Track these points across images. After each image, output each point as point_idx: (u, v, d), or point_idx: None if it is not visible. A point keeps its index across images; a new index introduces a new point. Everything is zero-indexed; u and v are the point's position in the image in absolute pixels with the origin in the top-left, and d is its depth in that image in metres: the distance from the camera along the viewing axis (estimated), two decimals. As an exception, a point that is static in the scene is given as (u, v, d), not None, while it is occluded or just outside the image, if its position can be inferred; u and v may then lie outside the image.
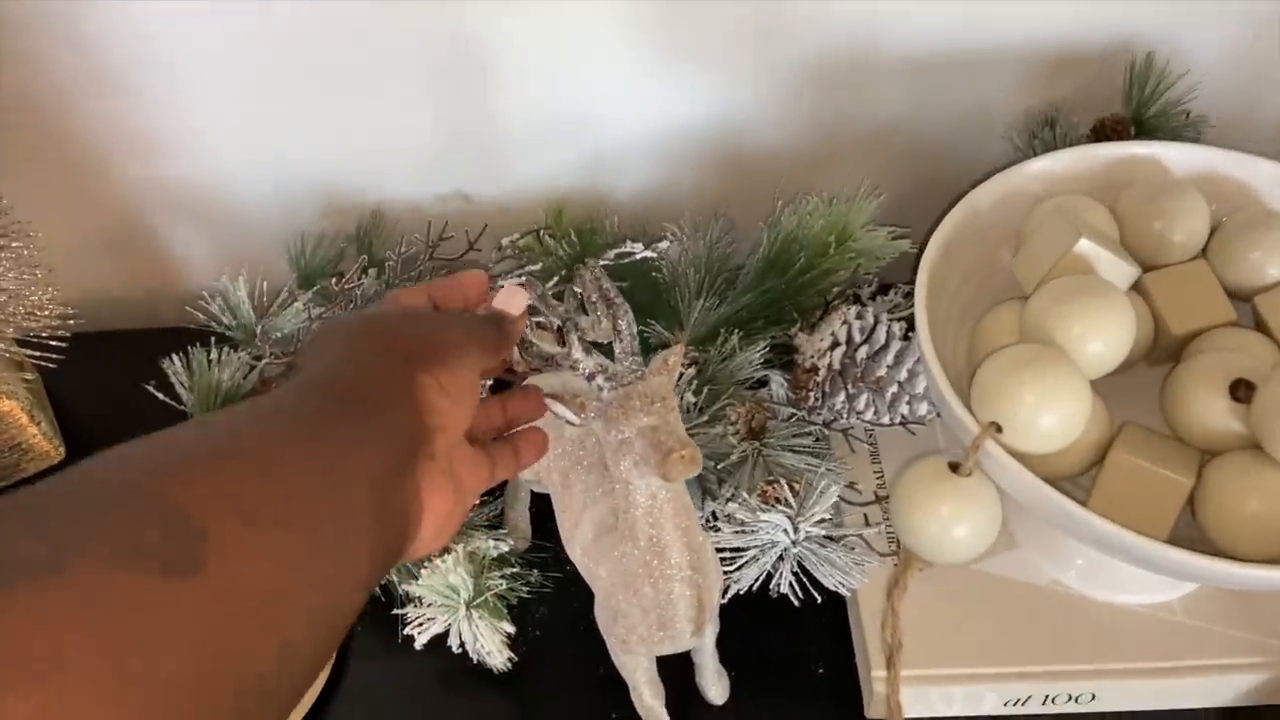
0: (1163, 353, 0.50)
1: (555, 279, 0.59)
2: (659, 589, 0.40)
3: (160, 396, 0.62)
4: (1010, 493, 0.44)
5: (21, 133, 0.66)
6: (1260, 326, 0.49)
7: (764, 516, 0.45)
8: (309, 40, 0.63)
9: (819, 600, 0.50)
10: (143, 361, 0.63)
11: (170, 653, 0.21)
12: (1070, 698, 0.52)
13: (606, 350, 0.40)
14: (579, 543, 0.45)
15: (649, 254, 0.58)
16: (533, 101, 0.66)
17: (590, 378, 0.38)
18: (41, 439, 0.64)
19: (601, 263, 0.58)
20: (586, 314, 0.44)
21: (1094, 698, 0.52)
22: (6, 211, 0.58)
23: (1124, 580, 0.53)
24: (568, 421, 0.38)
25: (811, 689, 0.56)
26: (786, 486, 0.46)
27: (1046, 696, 0.52)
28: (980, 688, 0.52)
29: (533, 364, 0.40)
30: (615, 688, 0.53)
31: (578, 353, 0.38)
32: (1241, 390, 0.43)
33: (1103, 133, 0.62)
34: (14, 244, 0.58)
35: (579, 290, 0.46)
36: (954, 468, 0.44)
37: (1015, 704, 0.53)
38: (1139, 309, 0.48)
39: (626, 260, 0.59)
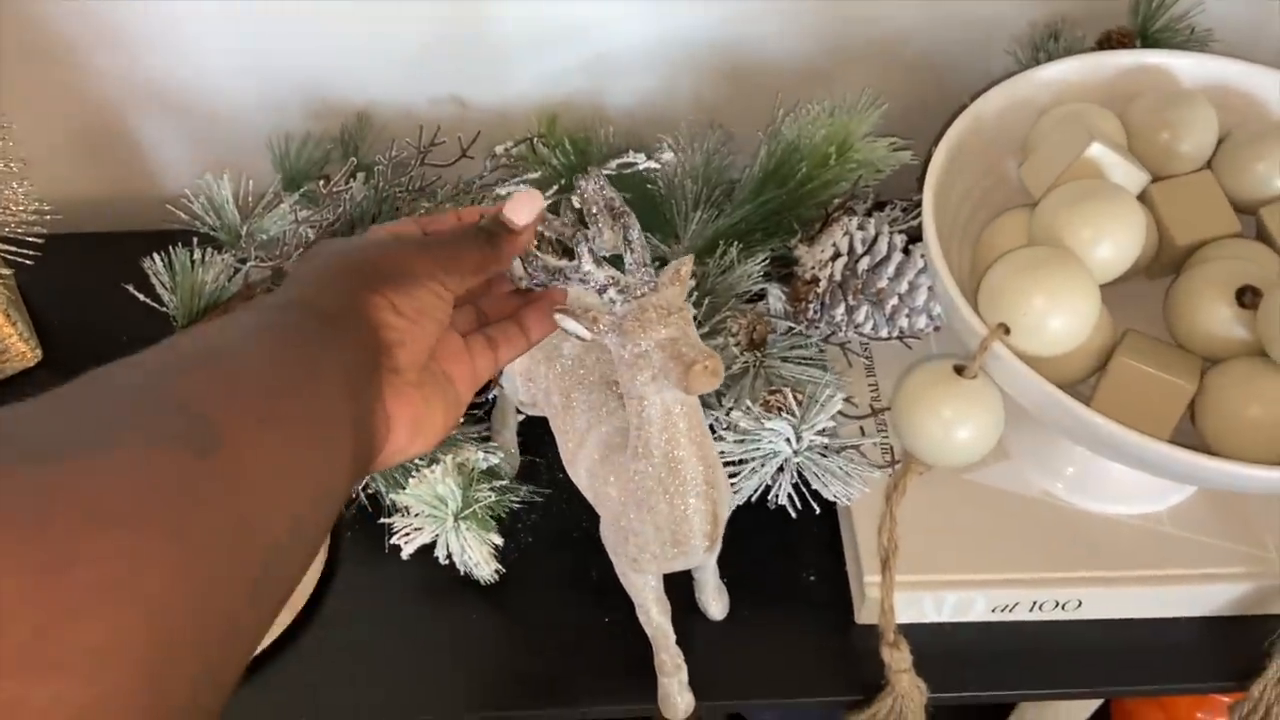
0: (1165, 264, 0.50)
1: (554, 189, 0.57)
2: (674, 505, 0.39)
3: (141, 298, 0.60)
4: (1015, 395, 0.44)
5: (-5, 23, 0.63)
6: (1263, 238, 0.49)
7: (769, 425, 0.45)
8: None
9: (817, 511, 0.50)
10: (119, 263, 0.61)
11: (210, 514, 0.23)
12: (1057, 604, 0.53)
13: (611, 263, 0.39)
14: (584, 464, 0.44)
15: (652, 165, 0.56)
16: (530, 2, 0.64)
17: (602, 291, 0.36)
18: (18, 339, 0.62)
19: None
20: (586, 226, 0.43)
21: (1080, 605, 0.53)
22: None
23: (1113, 491, 0.54)
24: (578, 337, 0.37)
25: (801, 597, 0.56)
26: (790, 395, 0.46)
27: (1034, 603, 0.53)
28: (970, 593, 0.52)
29: (536, 278, 0.38)
30: (606, 594, 0.53)
31: (588, 265, 0.36)
32: (1248, 296, 0.43)
33: (1109, 45, 0.61)
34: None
35: (577, 202, 0.45)
36: (959, 370, 0.44)
37: (1003, 610, 0.53)
38: (1145, 217, 0.48)
39: (628, 171, 0.57)
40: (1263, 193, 0.50)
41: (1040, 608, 0.53)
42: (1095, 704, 0.77)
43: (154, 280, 0.60)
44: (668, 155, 0.59)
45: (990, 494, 0.55)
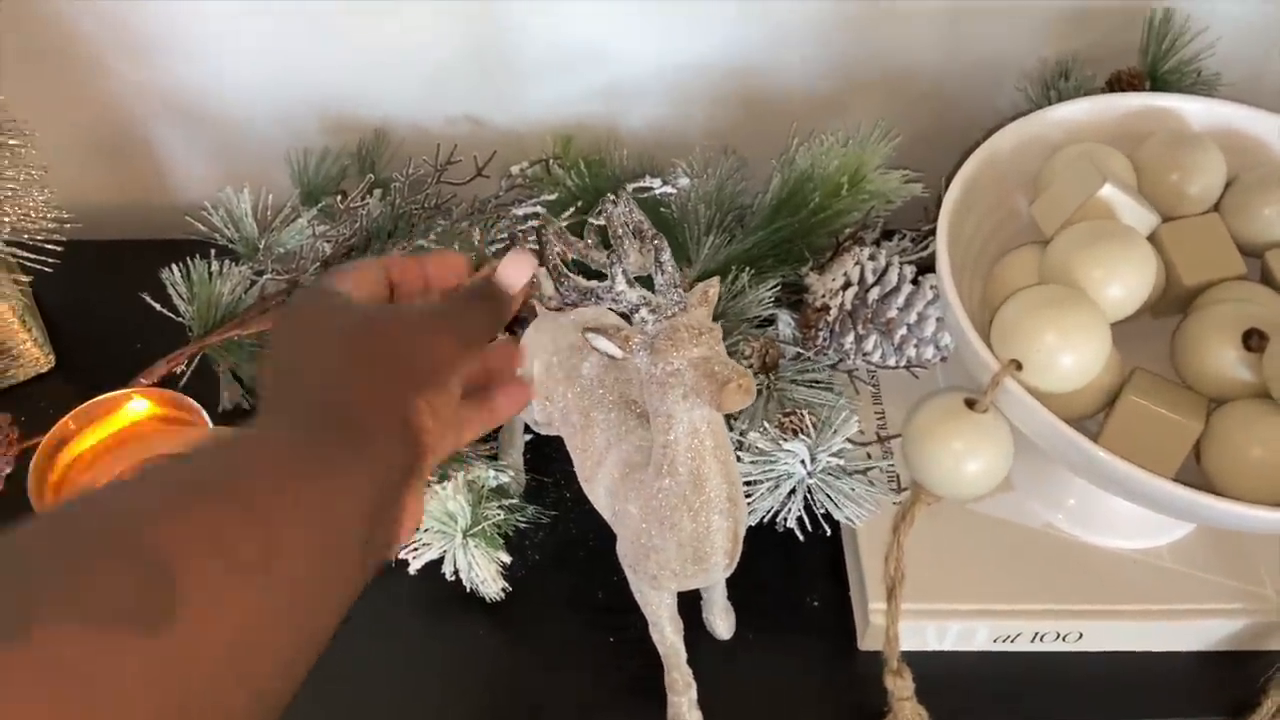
0: (1171, 304, 0.51)
1: (570, 210, 0.58)
2: (698, 522, 0.40)
3: (157, 307, 0.61)
4: (1025, 430, 0.45)
5: (17, 28, 0.64)
6: (1269, 281, 0.50)
7: (786, 445, 0.46)
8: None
9: (827, 533, 0.51)
10: (132, 271, 0.62)
11: (138, 712, 0.20)
12: (1058, 636, 0.54)
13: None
14: (603, 482, 0.45)
15: (668, 190, 0.58)
16: (548, 27, 0.65)
17: (634, 310, 0.37)
18: (32, 344, 0.63)
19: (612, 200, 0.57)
20: (609, 248, 0.43)
21: (1081, 637, 0.54)
22: (4, 108, 0.56)
23: (1115, 525, 0.54)
24: (609, 356, 0.37)
25: (804, 621, 0.57)
26: (806, 417, 0.47)
27: (1036, 634, 0.54)
28: (973, 623, 0.53)
29: (569, 298, 0.39)
30: (612, 613, 0.54)
31: (621, 285, 0.37)
32: (1254, 340, 0.44)
33: (1118, 86, 0.63)
34: (11, 142, 0.56)
35: (600, 222, 0.46)
36: (970, 404, 0.44)
37: (1005, 640, 0.54)
38: (1154, 258, 0.49)
39: (645, 195, 0.58)
40: (1269, 236, 0.51)
41: (1041, 639, 0.54)
42: None
43: (171, 290, 0.61)
44: (684, 181, 0.61)
45: (994, 525, 0.55)
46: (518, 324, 0.58)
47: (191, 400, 0.53)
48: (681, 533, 0.41)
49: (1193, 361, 0.46)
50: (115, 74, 0.66)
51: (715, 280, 0.39)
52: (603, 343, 0.37)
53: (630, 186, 0.56)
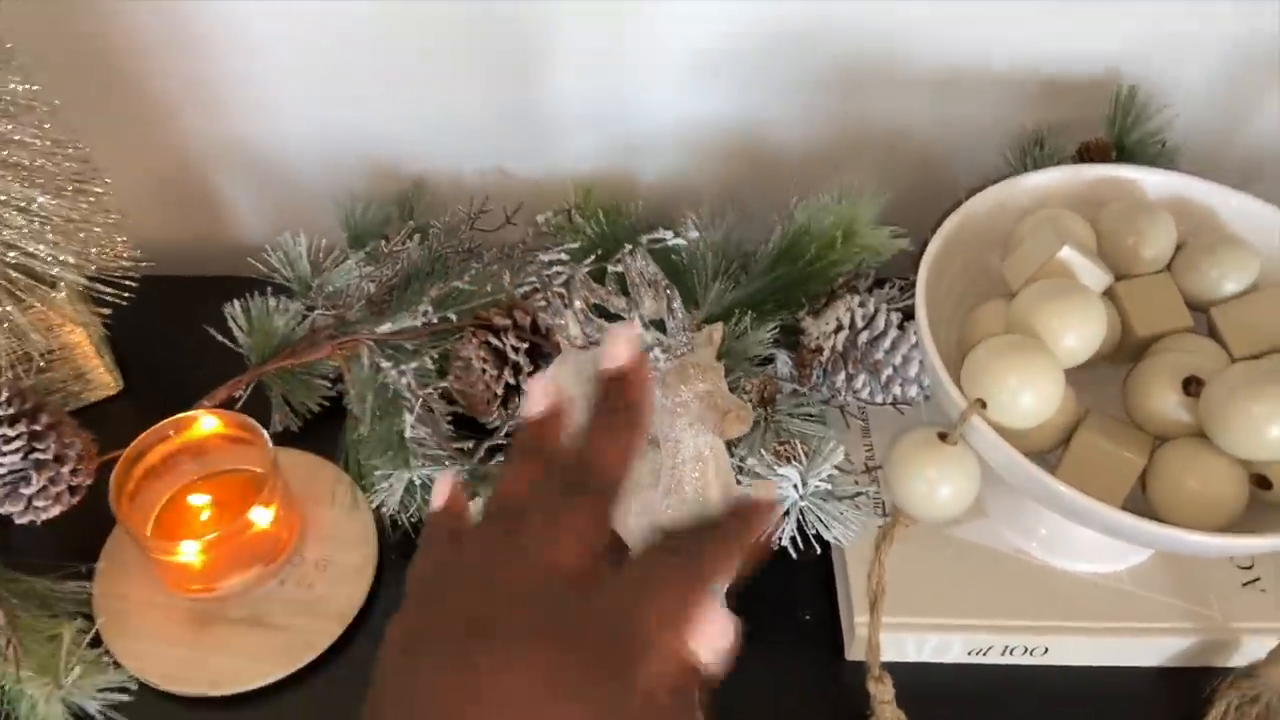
0: (1126, 352, 0.57)
1: (591, 258, 0.65)
2: None
3: (218, 338, 0.67)
4: (990, 461, 0.51)
5: (96, 83, 0.71)
6: (1213, 334, 0.56)
7: (780, 470, 0.52)
8: (370, 18, 0.69)
9: (818, 551, 0.57)
10: (191, 306, 0.68)
11: None
12: (1026, 650, 0.59)
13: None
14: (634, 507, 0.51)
15: (679, 241, 0.64)
16: (575, 89, 0.72)
17: (648, 350, 0.44)
18: (104, 370, 0.69)
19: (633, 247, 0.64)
20: (628, 295, 0.50)
21: (1047, 651, 0.59)
22: (87, 159, 0.63)
23: (1080, 550, 0.60)
24: None
25: (797, 633, 0.62)
26: (798, 446, 0.53)
27: (1006, 648, 0.59)
28: (949, 637, 0.59)
29: (594, 338, 0.45)
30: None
31: (639, 328, 0.44)
32: (1192, 386, 0.50)
33: (1087, 154, 0.69)
34: (96, 190, 0.63)
35: (621, 271, 0.52)
36: (942, 437, 0.51)
37: (978, 653, 0.60)
38: (1109, 312, 0.55)
39: (658, 246, 0.65)
40: (1214, 294, 0.57)
41: (1011, 652, 0.60)
42: None
43: (231, 323, 0.68)
44: (693, 234, 0.67)
45: (970, 549, 0.61)
46: (541, 359, 0.64)
47: (253, 421, 0.60)
48: None
49: (1140, 404, 0.53)
50: (185, 127, 0.74)
51: (719, 325, 0.45)
52: None
53: (645, 239, 0.62)
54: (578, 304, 0.46)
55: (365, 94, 0.73)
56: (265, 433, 0.59)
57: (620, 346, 0.32)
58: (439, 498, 0.33)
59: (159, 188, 0.77)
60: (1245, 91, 0.73)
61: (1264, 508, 0.51)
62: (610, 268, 0.63)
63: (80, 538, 0.62)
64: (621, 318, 0.46)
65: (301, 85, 0.72)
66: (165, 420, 0.60)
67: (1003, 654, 0.60)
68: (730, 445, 0.60)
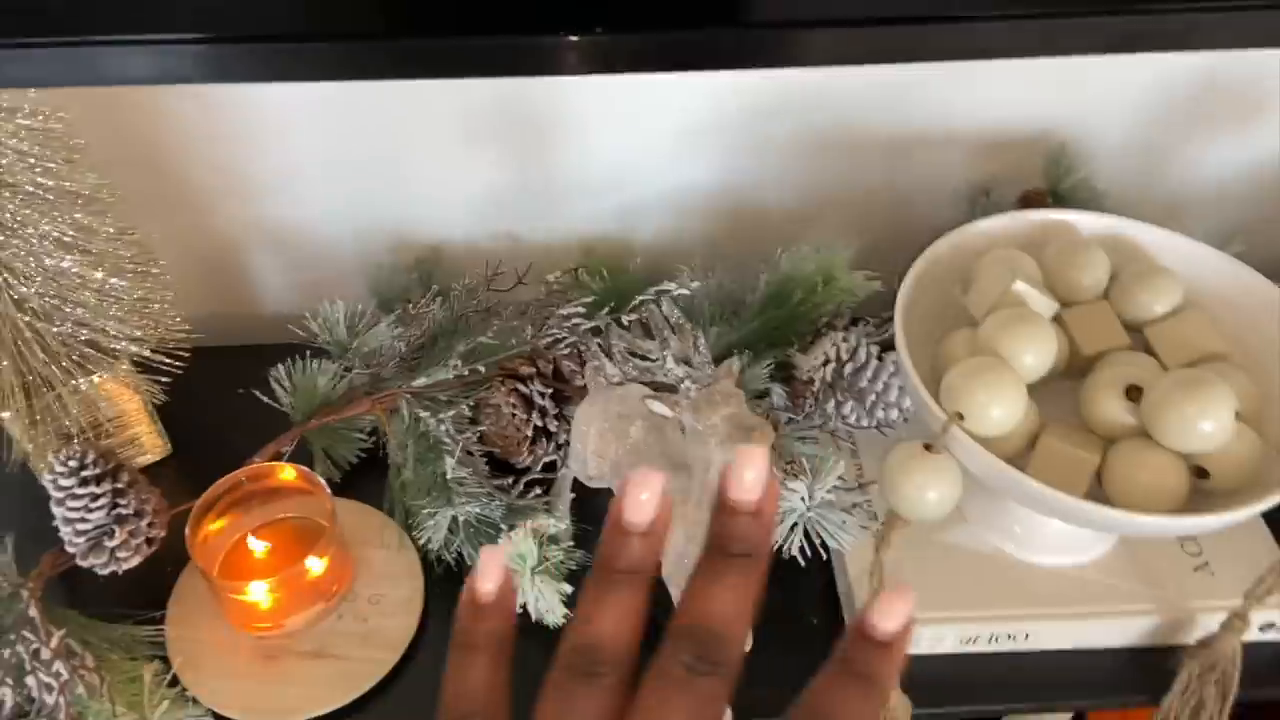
0: (1075, 368, 0.66)
1: (606, 310, 0.73)
2: None
3: (262, 400, 0.74)
4: (969, 466, 0.59)
5: (145, 175, 0.78)
6: (1148, 349, 0.65)
7: (790, 485, 0.60)
8: (389, 106, 0.77)
9: (825, 558, 0.64)
10: (227, 373, 0.75)
11: None
12: (1010, 637, 0.67)
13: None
14: None
15: (683, 290, 0.72)
16: (577, 160, 0.81)
17: (679, 382, 0.51)
18: (155, 435, 0.75)
19: (642, 298, 0.73)
20: (652, 337, 0.58)
21: (1028, 637, 0.67)
22: (141, 243, 0.70)
23: (1050, 545, 0.68)
24: (663, 415, 0.51)
25: (805, 636, 0.69)
26: (804, 462, 0.61)
27: (993, 635, 0.67)
28: (942, 629, 0.66)
29: (630, 375, 0.53)
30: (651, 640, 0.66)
31: (670, 364, 0.52)
32: (1134, 393, 0.59)
33: (1028, 201, 0.79)
34: (154, 271, 0.69)
35: (636, 318, 0.60)
36: (927, 448, 0.59)
37: (969, 642, 0.67)
38: (1058, 335, 0.64)
39: (665, 295, 0.73)
40: (1146, 316, 0.66)
41: (997, 640, 0.67)
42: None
43: (275, 385, 0.74)
44: (695, 284, 0.75)
45: (954, 550, 0.69)
46: (564, 402, 0.72)
47: (314, 473, 0.66)
48: None
49: (1091, 411, 0.61)
50: (223, 211, 0.81)
51: (735, 360, 0.53)
52: (659, 406, 0.51)
53: (653, 290, 0.70)
54: (615, 346, 0.54)
55: (386, 173, 0.81)
56: (324, 483, 0.65)
57: (751, 472, 0.29)
58: (489, 580, 0.32)
59: (198, 267, 0.84)
60: (1160, 142, 0.84)
61: (1203, 494, 0.60)
62: (624, 318, 0.71)
63: (144, 588, 0.68)
64: (644, 358, 0.54)
65: (327, 169, 0.80)
66: (239, 470, 0.66)
67: (990, 641, 0.67)
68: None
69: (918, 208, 0.86)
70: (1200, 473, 0.59)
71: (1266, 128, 0.83)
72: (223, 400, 0.81)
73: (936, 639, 0.67)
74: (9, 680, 0.56)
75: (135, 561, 0.63)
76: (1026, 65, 0.78)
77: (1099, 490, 0.60)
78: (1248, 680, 0.64)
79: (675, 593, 0.59)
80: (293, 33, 0.36)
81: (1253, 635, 0.65)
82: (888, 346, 0.72)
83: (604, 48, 0.37)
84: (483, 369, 0.72)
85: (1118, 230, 0.70)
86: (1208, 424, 0.56)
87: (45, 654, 0.57)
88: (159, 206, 0.78)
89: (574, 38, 0.36)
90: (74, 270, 0.62)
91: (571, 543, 0.67)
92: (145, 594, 0.68)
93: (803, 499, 0.61)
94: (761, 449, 0.31)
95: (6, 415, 0.66)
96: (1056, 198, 0.79)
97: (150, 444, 0.76)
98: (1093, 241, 0.69)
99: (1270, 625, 0.68)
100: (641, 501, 0.30)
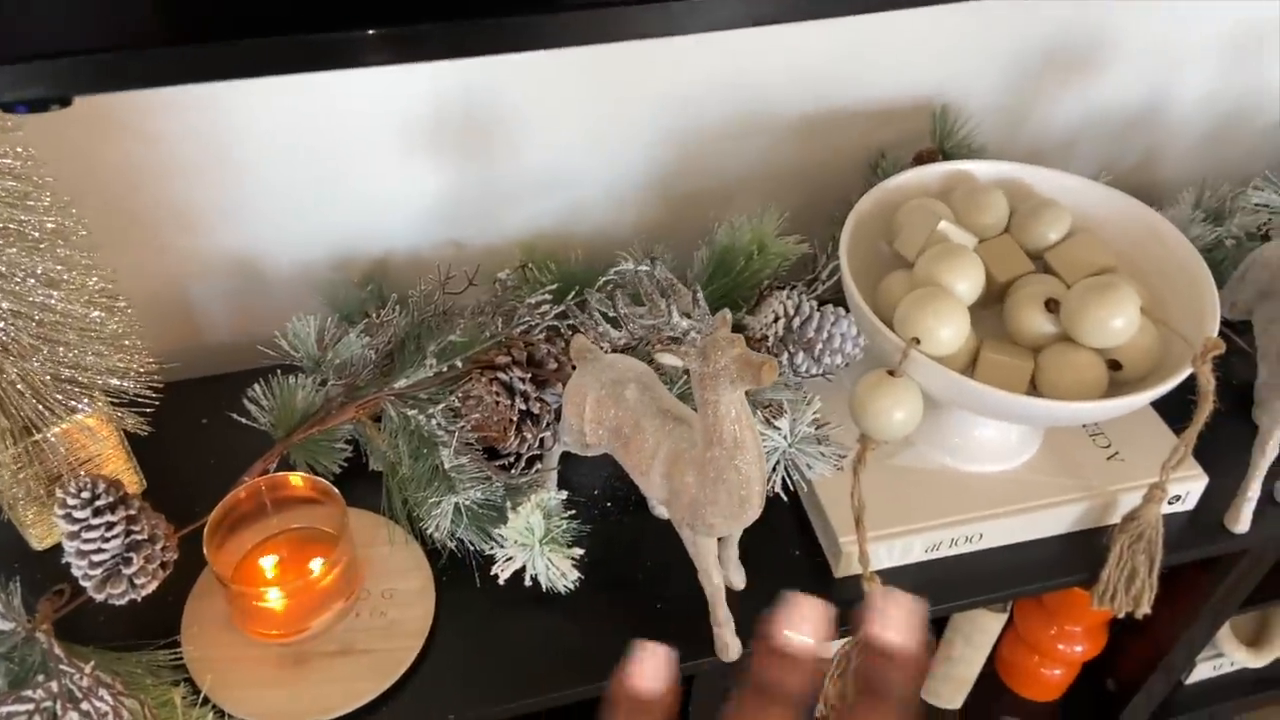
0: (992, 296, 0.75)
1: (571, 294, 0.77)
2: (741, 473, 0.58)
3: (240, 423, 0.75)
4: (928, 383, 0.67)
5: (92, 210, 0.77)
6: (1049, 270, 0.75)
7: (776, 423, 0.66)
8: (329, 125, 0.79)
9: (804, 490, 0.71)
10: (187, 405, 0.76)
11: None
12: (967, 539, 0.76)
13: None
14: (658, 470, 0.62)
15: (641, 268, 0.78)
16: (519, 166, 0.85)
17: (686, 333, 0.57)
18: (131, 471, 0.75)
19: (605, 279, 0.78)
20: (642, 304, 0.63)
21: (982, 537, 0.76)
22: (115, 280, 0.70)
23: (986, 455, 0.77)
24: (673, 366, 0.56)
25: (791, 568, 0.76)
26: (784, 403, 0.67)
27: (952, 540, 0.75)
28: (910, 540, 0.74)
29: (637, 334, 0.58)
30: (655, 587, 0.71)
31: (676, 318, 0.57)
32: (1052, 304, 0.69)
33: (921, 159, 0.89)
34: (128, 309, 0.70)
35: (624, 289, 0.65)
36: (890, 373, 0.66)
37: (934, 549, 0.75)
38: (977, 266, 0.73)
39: (623, 273, 0.79)
40: (1043, 244, 0.76)
41: (955, 543, 0.76)
42: (1004, 617, 1.00)
43: (250, 406, 0.75)
44: (651, 264, 0.81)
45: (908, 471, 0.77)
46: (543, 387, 0.76)
47: (328, 484, 0.68)
48: (730, 484, 0.59)
49: (1017, 327, 0.71)
50: (170, 245, 0.81)
51: (726, 311, 0.59)
52: (668, 358, 0.56)
53: (613, 270, 0.76)
54: (624, 313, 0.58)
55: (329, 194, 0.83)
56: (338, 493, 0.67)
57: (898, 619, 0.31)
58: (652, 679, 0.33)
59: (148, 301, 0.84)
60: (1022, 98, 0.95)
61: (1117, 384, 0.70)
62: (594, 295, 0.76)
63: (145, 619, 0.67)
64: (656, 317, 0.58)
65: (270, 196, 0.82)
66: (258, 479, 0.67)
67: (951, 545, 0.76)
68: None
69: (824, 178, 0.95)
70: (1115, 365, 0.69)
71: (1108, 76, 0.96)
72: (189, 432, 0.82)
73: (906, 550, 0.75)
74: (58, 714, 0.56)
75: (153, 587, 0.64)
76: (908, 40, 0.88)
77: (1035, 392, 0.69)
78: (1164, 548, 0.74)
79: (687, 533, 0.64)
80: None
81: (1164, 509, 0.76)
82: (825, 301, 0.80)
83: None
84: (459, 364, 0.75)
85: (1010, 174, 0.81)
86: (1119, 320, 0.66)
87: (86, 682, 0.57)
88: (106, 242, 0.78)
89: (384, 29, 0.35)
90: (59, 307, 0.62)
91: (572, 511, 0.71)
92: (147, 624, 0.68)
93: (784, 437, 0.68)
94: (907, 607, 0.34)
95: (-10, 464, 0.65)
96: (945, 154, 0.89)
97: (127, 481, 0.75)
98: (991, 185, 0.78)
99: (1177, 498, 0.79)
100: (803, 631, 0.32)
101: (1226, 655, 1.15)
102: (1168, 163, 1.07)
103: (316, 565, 0.67)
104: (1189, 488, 0.78)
